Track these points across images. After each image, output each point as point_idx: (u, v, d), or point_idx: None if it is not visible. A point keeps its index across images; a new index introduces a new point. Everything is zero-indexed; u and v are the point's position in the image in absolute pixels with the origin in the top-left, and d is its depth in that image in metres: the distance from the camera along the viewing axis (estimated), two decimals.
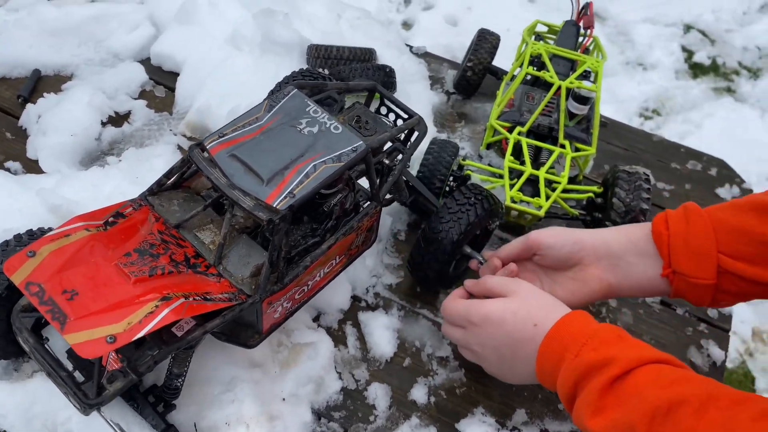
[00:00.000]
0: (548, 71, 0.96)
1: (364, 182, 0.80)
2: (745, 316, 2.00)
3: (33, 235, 0.69)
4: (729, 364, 1.91)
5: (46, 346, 0.63)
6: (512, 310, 0.70)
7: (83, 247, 0.61)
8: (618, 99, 2.60)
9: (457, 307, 0.75)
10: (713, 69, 2.84)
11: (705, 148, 2.42)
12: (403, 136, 0.84)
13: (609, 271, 0.76)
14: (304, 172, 0.66)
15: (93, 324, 0.55)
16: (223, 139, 0.67)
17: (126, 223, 0.65)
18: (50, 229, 0.70)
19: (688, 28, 2.99)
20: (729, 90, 2.75)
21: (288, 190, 0.64)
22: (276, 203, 0.63)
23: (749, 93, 2.73)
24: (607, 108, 2.53)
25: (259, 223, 0.68)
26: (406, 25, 2.84)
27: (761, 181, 2.33)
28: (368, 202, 0.77)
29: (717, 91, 2.74)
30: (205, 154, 0.67)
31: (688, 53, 2.89)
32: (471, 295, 0.78)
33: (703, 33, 2.97)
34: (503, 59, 1.18)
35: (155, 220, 0.67)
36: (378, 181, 0.80)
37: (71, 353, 0.63)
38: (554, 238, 0.79)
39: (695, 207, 0.74)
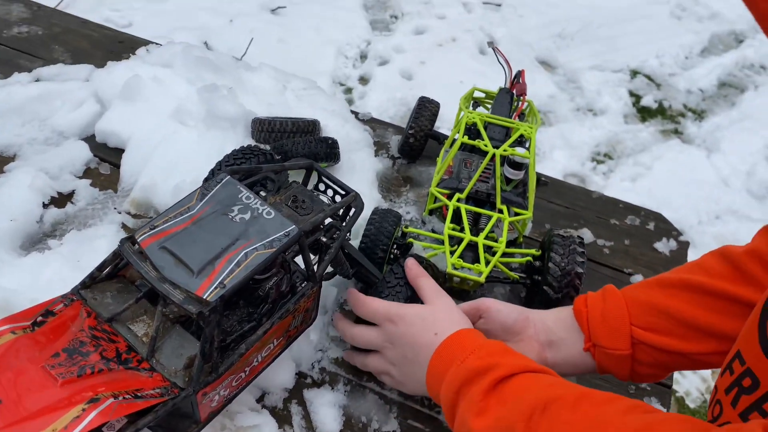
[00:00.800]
0: (483, 140, 1.00)
1: (301, 261, 0.81)
2: None
3: None
4: (691, 404, 1.93)
5: None
6: (422, 316, 0.77)
7: (8, 351, 0.60)
8: (570, 144, 2.68)
9: (378, 305, 0.80)
10: (660, 112, 2.95)
11: (656, 189, 2.50)
12: (342, 211, 0.85)
13: (546, 347, 0.81)
14: (235, 261, 0.67)
15: None
16: (153, 231, 0.68)
17: (55, 322, 0.65)
18: None
19: (634, 73, 3.11)
20: (676, 132, 2.86)
21: (219, 281, 0.65)
22: (206, 295, 0.64)
23: (695, 134, 2.83)
24: (560, 153, 2.61)
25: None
26: (363, 80, 2.90)
27: (710, 219, 2.40)
28: (305, 283, 0.78)
29: (665, 133, 2.84)
30: (136, 247, 0.67)
31: (636, 97, 3.00)
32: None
33: (649, 78, 3.10)
34: (454, 113, 1.19)
35: (87, 316, 0.67)
36: (316, 259, 0.81)
37: None
38: (503, 305, 0.85)
39: (613, 288, 0.81)
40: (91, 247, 0.94)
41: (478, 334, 0.73)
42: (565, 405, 0.59)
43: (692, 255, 1.10)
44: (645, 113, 2.93)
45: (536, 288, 0.93)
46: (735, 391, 0.57)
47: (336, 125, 1.20)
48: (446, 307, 0.79)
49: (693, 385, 1.97)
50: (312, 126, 1.14)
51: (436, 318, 0.76)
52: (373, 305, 0.81)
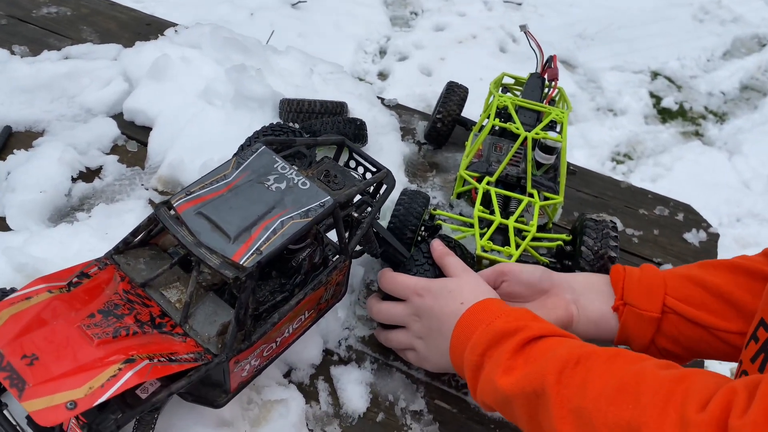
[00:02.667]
0: (514, 122, 0.99)
1: (333, 235, 0.81)
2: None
3: (4, 294, 0.68)
4: None
5: (4, 412, 0.62)
6: (449, 287, 0.77)
7: (45, 310, 0.60)
8: (590, 144, 2.66)
9: (406, 278, 0.81)
10: (681, 114, 2.93)
11: (676, 190, 2.48)
12: (372, 189, 0.85)
13: (572, 303, 0.81)
14: (272, 229, 0.66)
15: (53, 390, 0.54)
16: (190, 197, 0.68)
17: (90, 284, 0.65)
18: (13, 290, 0.69)
19: (654, 74, 3.09)
20: (697, 134, 2.84)
21: (255, 247, 0.64)
22: (243, 260, 0.63)
23: (716, 136, 2.81)
24: (579, 153, 2.59)
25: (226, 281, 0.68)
26: (382, 75, 2.90)
27: (731, 221, 2.37)
28: (337, 256, 0.77)
29: (685, 135, 2.82)
30: (172, 212, 0.67)
31: (656, 99, 2.98)
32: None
33: (670, 79, 3.07)
34: (476, 107, 1.20)
35: (121, 280, 0.67)
36: (347, 234, 0.81)
37: (30, 420, 0.62)
38: (522, 268, 0.84)
39: (652, 266, 0.82)
40: (119, 220, 0.94)
41: (503, 303, 0.74)
42: (598, 359, 0.59)
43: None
44: (665, 114, 2.90)
45: (566, 272, 0.92)
46: (761, 358, 0.57)
47: (363, 109, 1.19)
48: (472, 279, 0.79)
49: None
50: (340, 108, 1.13)
51: (462, 289, 0.76)
52: (399, 278, 0.81)
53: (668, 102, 2.95)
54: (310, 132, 1.05)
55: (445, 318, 0.74)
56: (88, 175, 1.06)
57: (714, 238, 1.11)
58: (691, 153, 2.68)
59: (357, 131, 1.08)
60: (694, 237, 1.10)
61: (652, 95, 2.98)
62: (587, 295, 0.82)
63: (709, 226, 1.13)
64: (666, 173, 2.56)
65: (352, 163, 0.88)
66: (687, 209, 1.16)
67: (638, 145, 2.71)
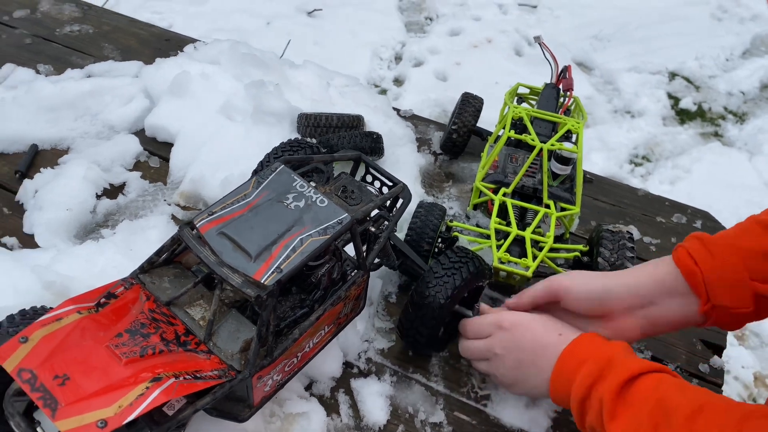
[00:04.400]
0: (530, 134, 0.99)
1: (350, 250, 0.82)
2: (746, 361, 1.99)
3: (26, 316, 0.70)
4: None
5: (38, 429, 0.64)
6: (541, 320, 0.78)
7: (74, 330, 0.62)
8: (608, 146, 2.65)
9: (488, 316, 0.82)
10: (700, 114, 2.90)
11: (695, 192, 2.46)
12: (388, 203, 0.86)
13: (643, 319, 0.77)
14: (291, 247, 0.68)
15: (84, 409, 0.56)
16: (212, 217, 0.69)
17: (117, 304, 0.67)
18: (43, 308, 0.71)
19: (672, 75, 3.06)
20: (716, 134, 2.81)
21: (275, 266, 0.66)
22: (264, 279, 0.65)
23: (736, 137, 2.78)
24: (597, 155, 2.58)
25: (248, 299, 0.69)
26: (398, 81, 2.91)
27: None
28: (355, 271, 0.79)
29: (704, 136, 2.79)
30: (195, 233, 0.69)
31: (674, 100, 2.95)
32: None
33: (688, 80, 3.05)
34: (492, 112, 1.20)
35: (146, 299, 0.69)
36: (365, 248, 0.82)
37: None
38: (579, 286, 0.79)
39: (708, 237, 0.75)
40: (143, 236, 0.96)
41: (599, 337, 0.75)
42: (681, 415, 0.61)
43: None
44: (684, 115, 2.88)
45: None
46: None
47: (379, 121, 1.21)
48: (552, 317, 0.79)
49: (735, 391, 1.93)
50: (356, 121, 1.15)
51: (556, 321, 0.77)
52: (478, 319, 0.82)
53: (686, 103, 2.92)
54: (328, 146, 1.07)
55: (541, 350, 0.75)
56: (112, 191, 1.09)
57: None
58: (711, 154, 2.65)
59: (373, 144, 1.09)
60: None
61: (670, 96, 2.96)
62: (661, 302, 0.76)
63: None
64: (685, 175, 2.54)
65: (369, 178, 0.90)
66: (705, 216, 1.15)
67: (656, 147, 2.69)
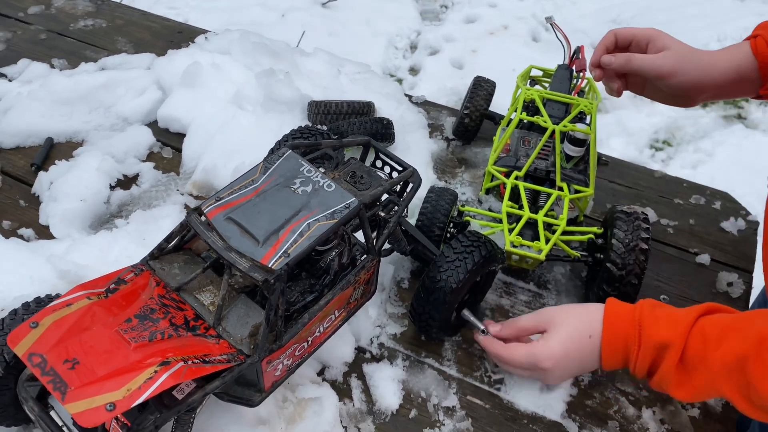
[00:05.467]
0: (542, 116, 0.98)
1: (360, 235, 0.82)
2: None
3: (40, 303, 0.71)
4: None
5: (51, 413, 0.65)
6: (566, 337, 0.77)
7: (84, 316, 0.62)
8: (628, 132, 2.61)
9: (519, 358, 0.79)
10: None
11: (718, 176, 2.41)
12: (398, 188, 0.86)
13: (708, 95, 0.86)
14: (299, 231, 0.68)
15: (93, 392, 0.57)
16: (219, 202, 0.69)
17: (127, 289, 0.67)
18: (57, 296, 0.72)
19: None
20: (739, 117, 2.75)
21: (283, 250, 0.66)
22: (271, 263, 0.65)
23: (760, 119, 2.72)
24: (617, 141, 2.55)
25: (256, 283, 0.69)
26: (413, 70, 2.90)
27: None
28: (365, 256, 0.78)
29: (727, 118, 2.74)
30: (203, 219, 0.69)
31: None
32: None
33: None
34: (508, 99, 1.19)
35: (156, 285, 0.69)
36: (374, 233, 0.82)
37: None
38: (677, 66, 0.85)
39: None
40: (156, 225, 0.97)
41: (619, 307, 0.76)
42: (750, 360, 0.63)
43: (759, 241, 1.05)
44: None
45: (598, 266, 0.91)
46: None
47: (390, 107, 1.20)
48: (562, 312, 0.80)
49: None
50: (367, 108, 1.14)
51: (575, 325, 0.77)
52: (512, 360, 0.80)
53: None
54: (338, 133, 1.07)
55: (585, 360, 0.77)
56: (126, 182, 1.10)
57: (753, 225, 1.08)
58: (734, 137, 2.60)
59: (384, 130, 1.09)
60: (732, 225, 1.07)
61: None
62: (730, 85, 0.85)
63: (748, 213, 1.10)
64: (707, 159, 2.49)
65: (379, 163, 0.89)
66: (724, 197, 1.13)
67: (677, 132, 2.65)
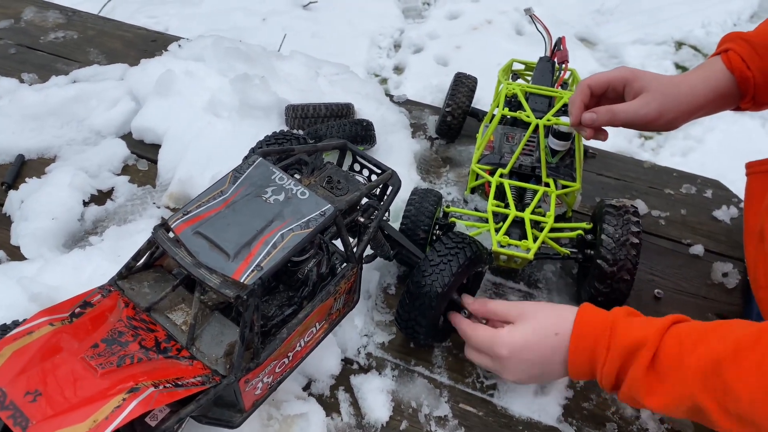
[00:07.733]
0: (525, 111, 0.95)
1: (340, 243, 0.79)
2: None
3: (6, 330, 0.68)
4: None
5: None
6: (531, 330, 0.74)
7: (47, 343, 0.59)
8: None
9: (479, 338, 0.77)
10: None
11: (709, 163, 2.39)
12: (379, 191, 0.82)
13: (689, 118, 0.83)
14: (272, 243, 0.65)
15: (56, 425, 0.53)
16: (187, 216, 0.66)
17: (93, 313, 0.64)
18: (15, 323, 0.69)
19: (679, 44, 2.98)
20: None
21: (255, 263, 0.63)
22: (243, 278, 0.62)
23: None
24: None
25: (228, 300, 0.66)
26: (398, 69, 2.86)
27: None
28: (344, 264, 0.75)
29: None
30: (170, 234, 0.65)
31: (682, 69, 2.87)
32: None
33: (695, 48, 2.96)
34: (492, 95, 1.16)
35: (125, 306, 0.66)
36: (354, 240, 0.79)
37: None
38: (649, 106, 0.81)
39: (752, 36, 0.81)
40: (131, 241, 0.93)
41: (593, 309, 0.72)
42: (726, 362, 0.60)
43: None
44: None
45: (589, 263, 0.88)
46: None
47: (370, 108, 1.17)
48: (535, 307, 0.76)
49: None
50: (346, 110, 1.11)
51: (544, 321, 0.74)
52: (474, 338, 0.78)
53: None
54: (316, 137, 1.04)
55: (548, 358, 0.73)
56: (100, 197, 1.06)
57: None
58: (723, 123, 2.58)
59: (364, 132, 1.05)
60: (724, 214, 1.05)
61: (677, 66, 2.88)
62: (711, 106, 0.82)
63: (740, 201, 1.07)
64: (697, 146, 2.47)
65: (357, 166, 0.86)
66: (716, 185, 1.10)
67: None
